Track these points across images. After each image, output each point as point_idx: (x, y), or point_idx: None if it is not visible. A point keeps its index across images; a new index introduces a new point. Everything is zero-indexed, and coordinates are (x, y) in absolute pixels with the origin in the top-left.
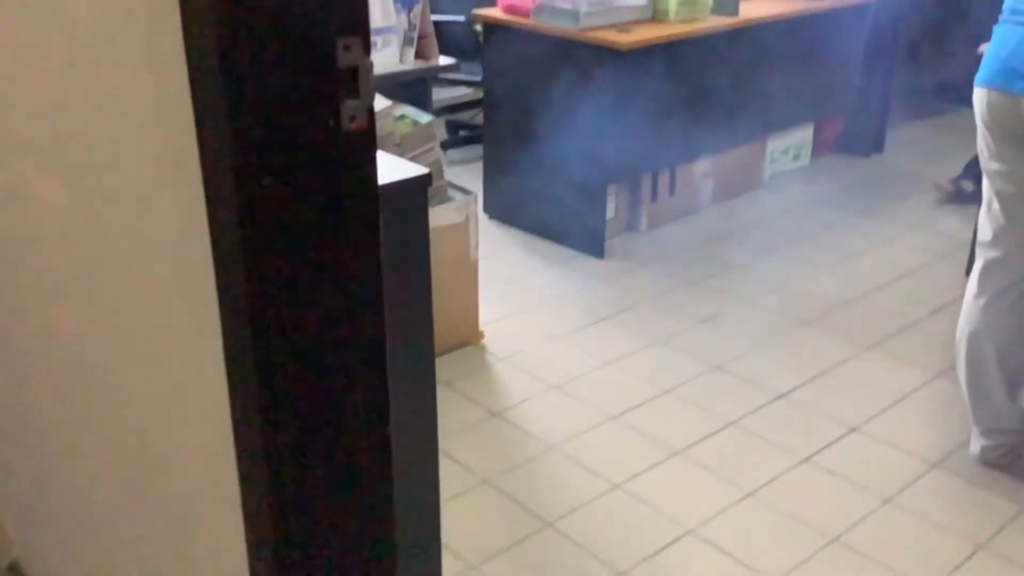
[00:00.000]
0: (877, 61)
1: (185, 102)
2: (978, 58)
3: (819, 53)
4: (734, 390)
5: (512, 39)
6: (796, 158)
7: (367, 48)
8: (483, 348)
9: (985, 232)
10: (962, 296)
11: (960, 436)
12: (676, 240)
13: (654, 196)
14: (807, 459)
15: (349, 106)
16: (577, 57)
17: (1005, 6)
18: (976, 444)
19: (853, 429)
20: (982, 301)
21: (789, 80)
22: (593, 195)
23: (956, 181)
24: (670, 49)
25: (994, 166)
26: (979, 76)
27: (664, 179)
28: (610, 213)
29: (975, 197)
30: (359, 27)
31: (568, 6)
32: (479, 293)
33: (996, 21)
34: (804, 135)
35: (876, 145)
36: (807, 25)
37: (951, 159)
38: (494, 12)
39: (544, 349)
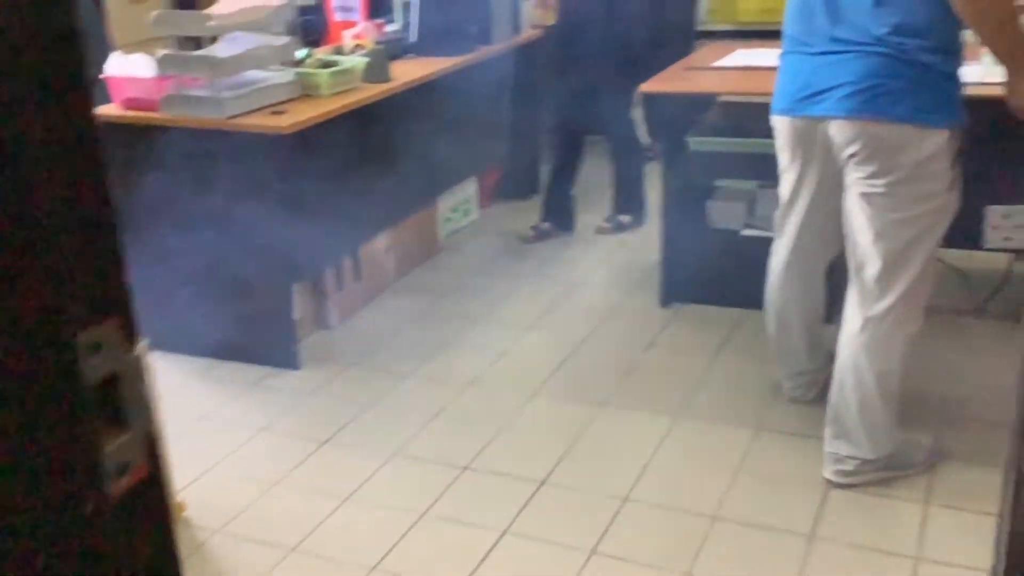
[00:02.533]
0: (523, 107)
1: None
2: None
3: (472, 106)
4: (493, 490)
5: (140, 139)
6: (466, 213)
7: (130, 332)
8: (188, 524)
9: (779, 222)
10: (664, 327)
11: (722, 480)
12: (373, 329)
13: (340, 285)
14: (595, 550)
15: (113, 451)
16: (228, 149)
17: (787, 37)
18: (787, 384)
19: (625, 500)
20: (783, 281)
21: (449, 137)
22: (275, 300)
23: (612, 219)
24: (330, 126)
25: (790, 176)
26: (777, 106)
27: (348, 264)
28: (296, 314)
29: (634, 225)
30: (115, 299)
31: (207, 93)
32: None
33: (639, 61)
34: (470, 189)
35: (532, 187)
36: (456, 81)
37: (600, 193)
38: (111, 110)
39: (265, 502)
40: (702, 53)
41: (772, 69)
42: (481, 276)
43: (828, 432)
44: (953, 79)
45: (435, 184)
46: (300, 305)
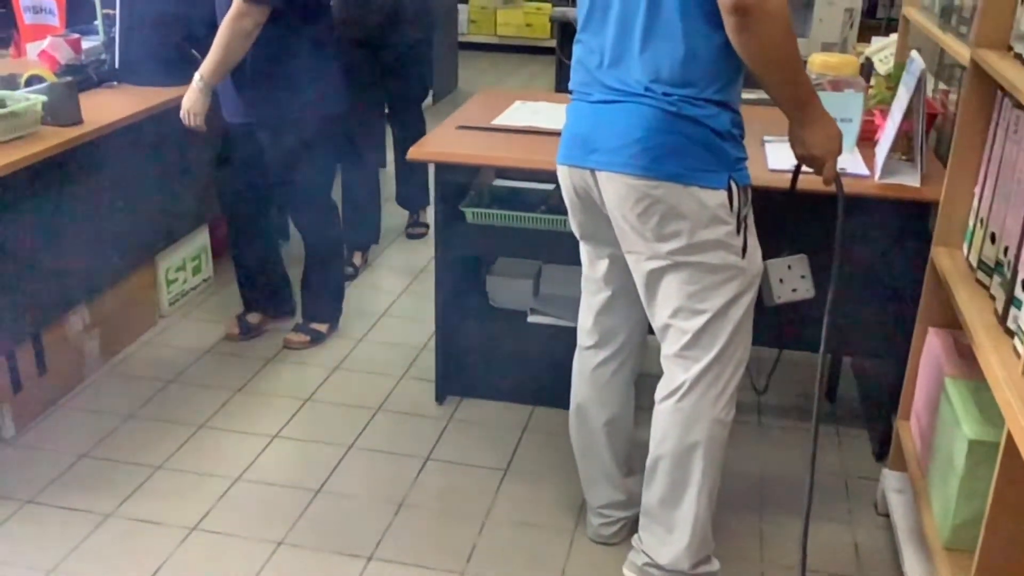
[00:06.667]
0: None
1: None
2: None
3: (196, 144)
4: None
5: None
6: (196, 271)
7: None
8: None
9: (582, 310)
10: (441, 436)
11: None
12: (63, 442)
13: (17, 386)
14: None
15: None
16: None
17: (573, 83)
18: (594, 521)
19: None
20: (586, 376)
21: (166, 181)
22: None
23: (304, 327)
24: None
25: (582, 242)
26: (559, 155)
27: (26, 356)
28: None
29: (332, 331)
30: None
31: None
32: None
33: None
34: (200, 240)
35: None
36: (173, 116)
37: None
38: None
39: None
40: (475, 105)
41: (558, 134)
42: (214, 357)
43: (640, 521)
44: (729, 136)
45: (150, 239)
46: None
